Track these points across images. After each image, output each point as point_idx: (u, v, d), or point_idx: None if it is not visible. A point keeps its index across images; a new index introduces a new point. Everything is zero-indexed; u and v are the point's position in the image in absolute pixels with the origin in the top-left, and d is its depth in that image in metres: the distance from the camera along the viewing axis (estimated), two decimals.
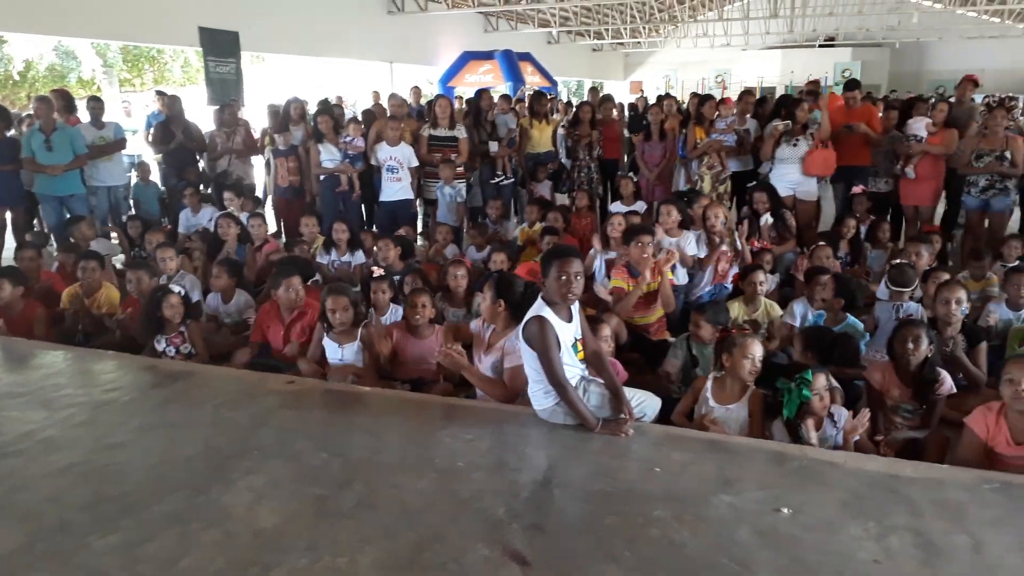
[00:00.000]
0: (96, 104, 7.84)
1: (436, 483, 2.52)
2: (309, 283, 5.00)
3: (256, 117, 12.09)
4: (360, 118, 8.08)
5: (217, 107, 8.73)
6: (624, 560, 2.06)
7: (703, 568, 2.02)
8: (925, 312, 4.11)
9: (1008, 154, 6.03)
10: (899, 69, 26.49)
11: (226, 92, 12.25)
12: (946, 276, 4.38)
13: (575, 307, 3.00)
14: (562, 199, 8.17)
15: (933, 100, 7.91)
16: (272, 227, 7.84)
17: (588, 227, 6.62)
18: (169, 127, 8.03)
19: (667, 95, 10.77)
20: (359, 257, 5.95)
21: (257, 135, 9.12)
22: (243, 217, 6.53)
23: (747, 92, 7.48)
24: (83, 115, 8.00)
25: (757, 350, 3.15)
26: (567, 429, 2.91)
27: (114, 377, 3.63)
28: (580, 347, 3.01)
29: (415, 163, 7.08)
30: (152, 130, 8.66)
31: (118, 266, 6.14)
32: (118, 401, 3.33)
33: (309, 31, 14.10)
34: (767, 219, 5.84)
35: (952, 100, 7.58)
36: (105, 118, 7.83)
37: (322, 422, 3.10)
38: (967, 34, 23.79)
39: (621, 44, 27.03)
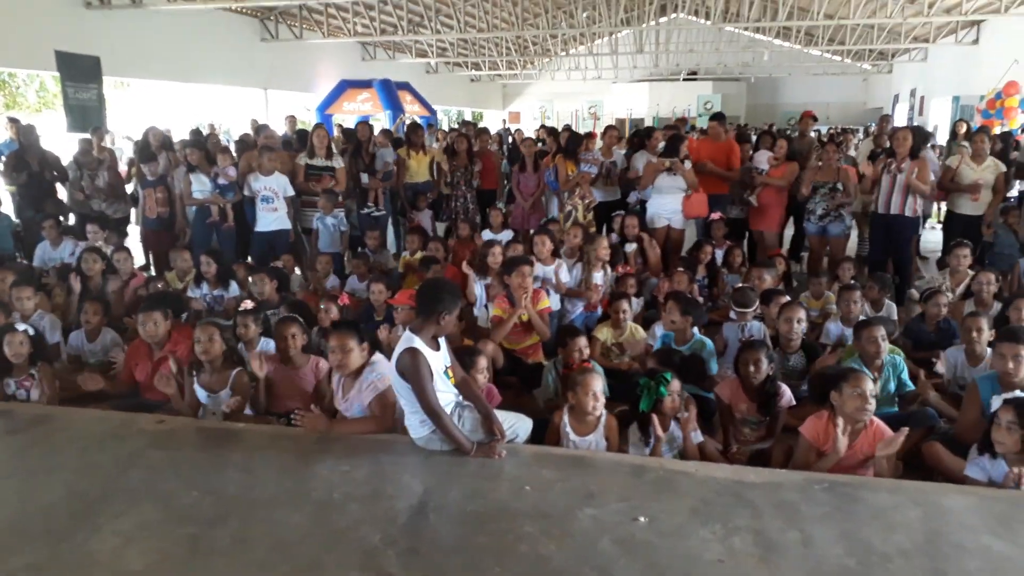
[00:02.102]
0: None
1: (312, 516, 2.56)
2: (182, 319, 4.87)
3: (121, 143, 11.62)
4: (232, 146, 7.94)
5: (78, 147, 8.21)
6: (494, 575, 2.18)
7: None
8: (767, 330, 4.51)
9: (840, 185, 6.67)
10: (756, 101, 28.51)
11: (87, 119, 11.64)
12: (786, 298, 4.80)
13: (441, 337, 3.13)
14: (442, 228, 8.31)
15: (788, 132, 8.64)
16: (140, 260, 7.56)
17: (464, 256, 6.78)
18: (24, 157, 7.59)
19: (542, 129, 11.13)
20: (233, 290, 5.83)
21: (123, 164, 8.77)
22: (108, 250, 6.27)
23: (611, 127, 7.90)
24: None
25: (598, 385, 3.28)
26: (443, 454, 3.02)
27: None
28: (451, 373, 3.12)
29: (291, 192, 7.02)
30: (4, 160, 8.13)
31: None
32: None
33: (178, 57, 13.64)
34: (633, 247, 6.18)
35: (791, 135, 8.30)
36: None
37: (194, 460, 3.06)
38: (812, 71, 25.92)
39: (499, 75, 27.66)
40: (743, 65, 26.07)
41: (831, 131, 15.61)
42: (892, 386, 3.94)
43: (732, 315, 4.78)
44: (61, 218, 7.50)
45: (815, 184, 6.75)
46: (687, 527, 2.45)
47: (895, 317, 5.25)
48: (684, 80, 27.47)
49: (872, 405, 3.12)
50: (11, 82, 20.95)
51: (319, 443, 3.19)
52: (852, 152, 10.69)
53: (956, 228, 7.00)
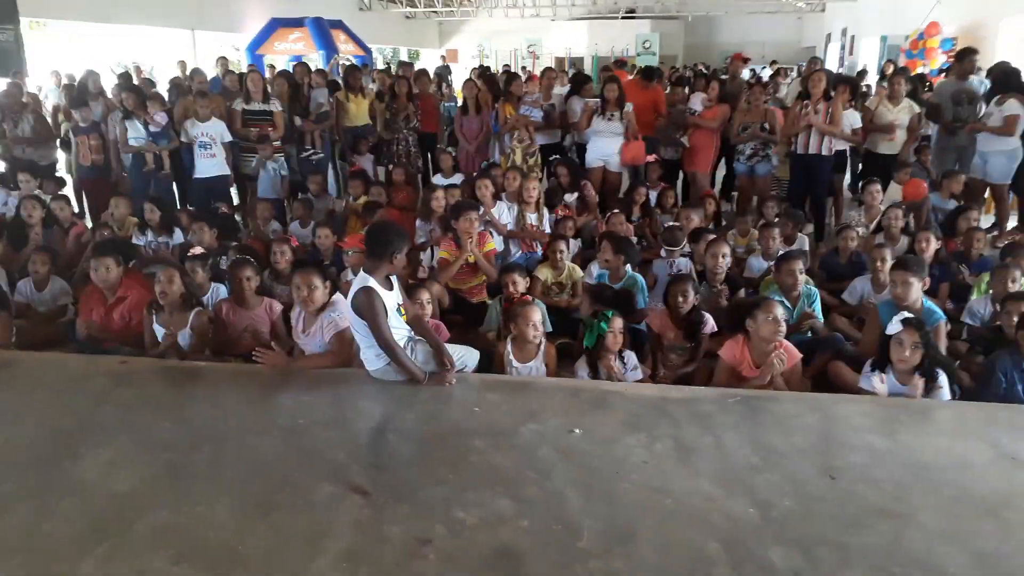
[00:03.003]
0: None
1: (281, 440, 2.81)
2: (130, 266, 4.94)
3: (39, 86, 11.19)
4: (164, 91, 7.80)
5: (3, 91, 7.97)
6: (449, 482, 2.49)
7: (512, 481, 2.49)
8: (694, 266, 4.86)
9: (767, 125, 7.03)
10: (693, 41, 28.73)
11: (5, 63, 11.16)
12: (712, 236, 5.14)
13: (393, 276, 3.36)
14: (383, 173, 8.39)
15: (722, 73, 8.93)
16: (76, 208, 7.47)
17: (406, 200, 6.95)
18: None
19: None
20: (177, 236, 5.89)
21: (47, 108, 8.53)
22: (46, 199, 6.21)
23: (548, 69, 8.05)
24: None
25: (536, 316, 3.62)
26: (398, 384, 3.28)
27: None
28: (403, 311, 3.37)
29: (228, 138, 7.01)
30: None
31: None
32: None
33: None
34: (573, 197, 6.45)
35: (725, 77, 8.60)
36: None
37: (161, 396, 3.26)
38: (748, 9, 26.21)
39: (435, 12, 27.15)
40: (680, 3, 26.18)
41: (756, 75, 15.92)
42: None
43: (663, 253, 5.11)
44: None
45: (744, 124, 7.09)
46: (617, 436, 2.79)
47: (806, 250, 5.66)
48: (623, 19, 27.45)
49: (783, 328, 3.50)
50: None
51: (279, 378, 3.39)
52: (782, 93, 11.08)
53: (873, 166, 7.45)
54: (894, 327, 3.39)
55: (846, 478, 2.53)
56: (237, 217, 7.20)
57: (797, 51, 26.89)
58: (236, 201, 7.90)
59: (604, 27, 27.34)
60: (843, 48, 21.56)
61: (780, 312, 3.48)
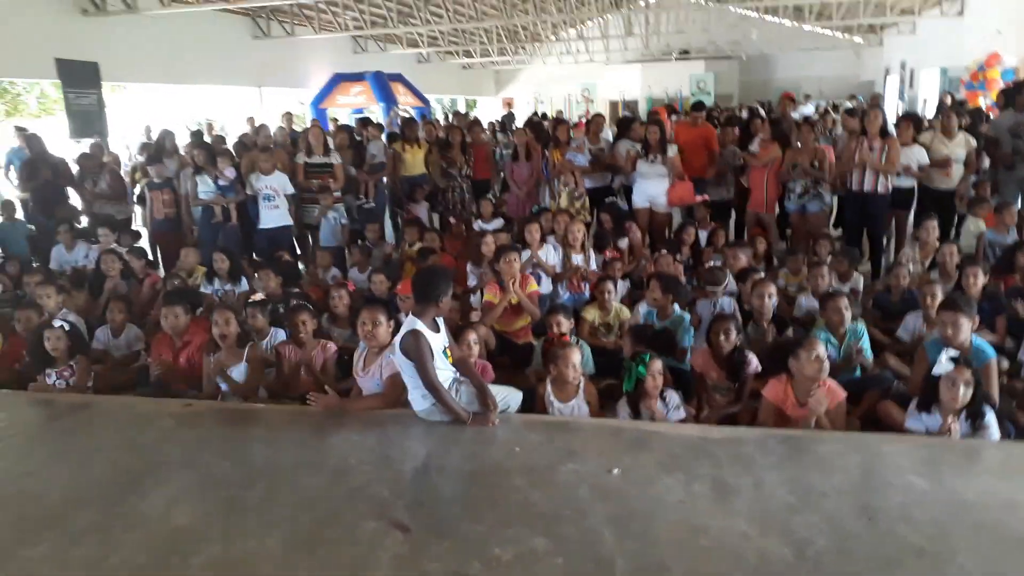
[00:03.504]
0: None
1: (330, 478, 2.94)
2: (198, 313, 5.22)
3: (121, 147, 11.94)
4: (232, 146, 8.25)
5: (90, 150, 8.61)
6: (488, 520, 2.56)
7: (549, 519, 2.55)
8: (741, 306, 4.86)
9: (818, 163, 7.00)
10: (749, 79, 28.65)
11: (89, 124, 11.98)
12: (759, 276, 5.14)
13: (440, 318, 3.49)
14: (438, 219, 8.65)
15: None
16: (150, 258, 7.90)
17: (460, 246, 7.15)
18: (36, 165, 7.94)
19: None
20: (243, 285, 6.19)
21: (127, 167, 9.10)
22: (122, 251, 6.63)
23: (597, 115, 8.23)
24: None
25: (576, 357, 3.69)
26: (443, 424, 3.39)
27: (3, 416, 3.76)
28: (449, 353, 3.49)
29: (291, 190, 7.36)
30: (18, 168, 8.49)
31: None
32: (21, 435, 3.53)
33: (172, 59, 13.95)
34: (625, 242, 6.54)
35: (776, 118, 8.62)
36: None
37: (221, 437, 3.44)
38: (803, 46, 26.10)
39: (492, 62, 27.87)
40: (734, 43, 26.25)
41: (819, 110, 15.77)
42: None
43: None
44: (74, 223, 7.86)
45: (794, 163, 7.07)
46: (655, 476, 2.83)
47: (860, 288, 5.59)
48: (676, 60, 27.63)
49: (827, 367, 3.48)
50: (12, 89, 21.21)
51: (332, 419, 3.54)
52: (840, 131, 10.95)
53: (928, 202, 7.31)
54: (942, 366, 3.33)
55: (885, 518, 2.51)
56: (300, 265, 7.51)
57: (855, 85, 26.55)
58: (298, 250, 8.25)
59: (658, 69, 27.55)
60: (902, 81, 21.22)
61: (823, 350, 3.47)
